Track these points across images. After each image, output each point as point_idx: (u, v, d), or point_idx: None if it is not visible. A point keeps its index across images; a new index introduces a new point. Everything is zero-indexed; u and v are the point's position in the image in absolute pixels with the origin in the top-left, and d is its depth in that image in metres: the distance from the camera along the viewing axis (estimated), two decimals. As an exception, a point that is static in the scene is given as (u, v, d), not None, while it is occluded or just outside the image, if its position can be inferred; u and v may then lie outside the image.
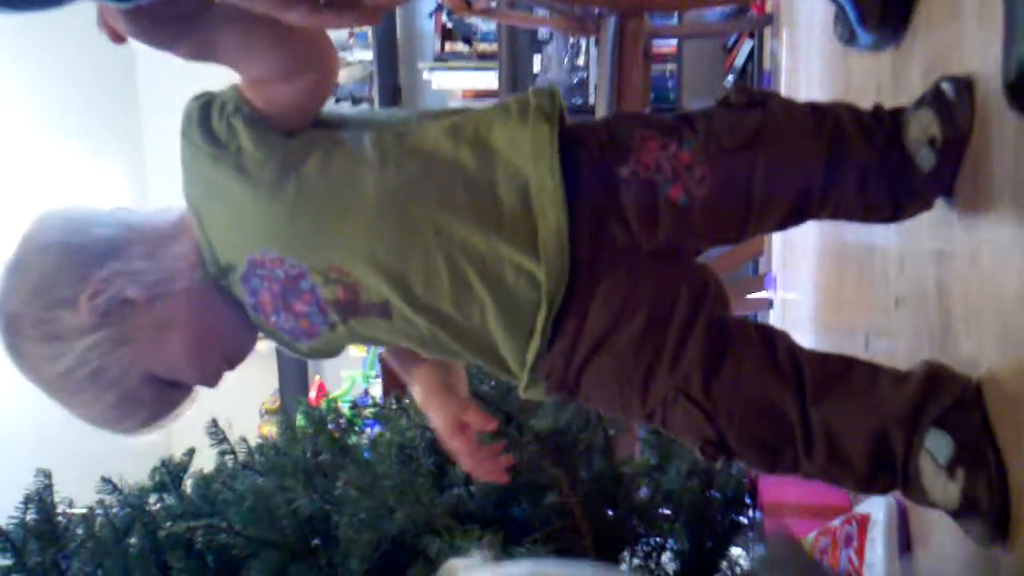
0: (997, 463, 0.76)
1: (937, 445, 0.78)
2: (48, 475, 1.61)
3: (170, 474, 1.68)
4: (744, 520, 1.61)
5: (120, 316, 0.89)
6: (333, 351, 0.96)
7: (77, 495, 1.66)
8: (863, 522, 1.20)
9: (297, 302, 0.90)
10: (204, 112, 0.88)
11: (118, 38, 0.75)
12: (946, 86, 0.86)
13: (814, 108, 0.92)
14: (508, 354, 0.91)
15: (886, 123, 0.89)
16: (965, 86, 0.85)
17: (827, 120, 0.90)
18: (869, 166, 0.88)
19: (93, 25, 0.76)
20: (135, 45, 0.77)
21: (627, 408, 0.91)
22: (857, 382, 0.85)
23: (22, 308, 0.89)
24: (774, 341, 0.89)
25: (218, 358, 0.94)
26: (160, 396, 0.94)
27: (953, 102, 0.85)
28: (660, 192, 0.88)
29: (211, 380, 0.95)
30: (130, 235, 0.91)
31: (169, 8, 0.72)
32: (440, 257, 0.87)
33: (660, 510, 1.55)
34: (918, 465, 0.80)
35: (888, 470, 0.83)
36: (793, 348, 0.89)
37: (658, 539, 1.54)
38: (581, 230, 0.88)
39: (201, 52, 0.81)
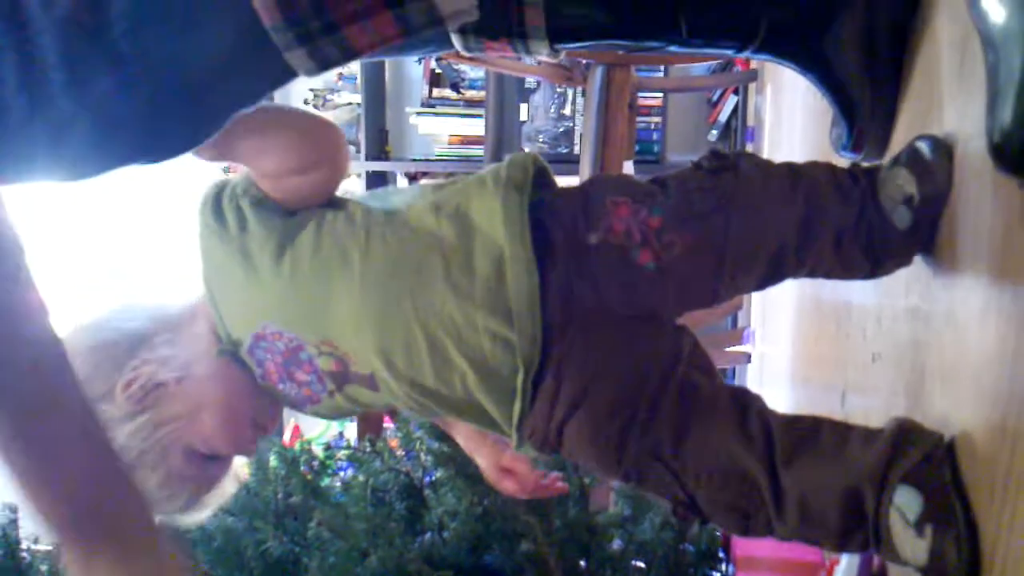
0: (966, 520, 0.76)
1: (906, 502, 0.78)
2: (14, 509, 1.59)
3: (139, 512, 1.66)
4: (717, 575, 1.60)
5: (155, 400, 0.93)
6: (339, 415, 1.00)
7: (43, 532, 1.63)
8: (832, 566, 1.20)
9: (298, 372, 0.93)
10: (216, 196, 0.93)
11: None
12: (922, 145, 0.87)
13: (789, 169, 0.93)
14: (496, 416, 0.92)
15: (862, 182, 0.90)
16: (942, 145, 0.86)
17: (801, 181, 0.90)
18: (845, 226, 0.88)
19: None
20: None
21: (605, 468, 0.92)
22: (826, 443, 0.85)
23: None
24: (746, 406, 0.89)
25: (249, 426, 0.97)
26: (202, 471, 0.97)
27: (930, 161, 0.85)
28: (629, 258, 0.89)
29: (246, 447, 0.98)
30: (153, 325, 0.96)
31: None
32: (418, 329, 0.88)
33: (633, 561, 1.54)
34: (888, 523, 0.80)
35: (861, 529, 0.83)
36: (763, 412, 0.89)
37: (631, 591, 1.53)
38: (553, 295, 0.88)
39: (222, 156, 0.88)
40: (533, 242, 0.87)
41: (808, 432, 0.87)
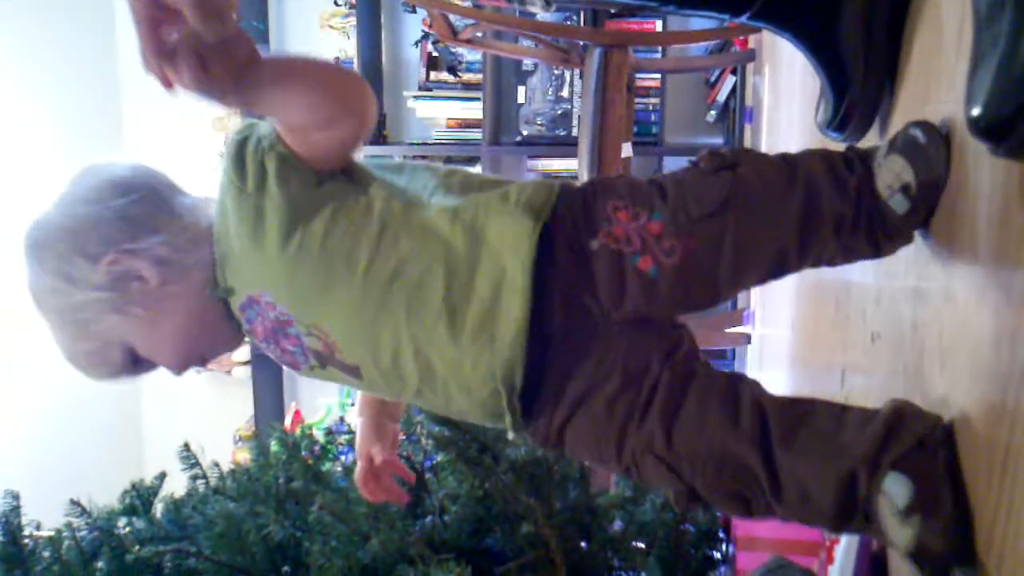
0: (955, 509, 0.76)
1: (895, 489, 0.78)
2: (16, 496, 1.59)
3: (140, 497, 1.67)
4: (718, 554, 1.61)
5: (127, 288, 0.95)
6: (319, 378, 1.01)
7: (45, 517, 1.64)
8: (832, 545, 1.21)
9: (285, 341, 0.96)
10: (240, 147, 0.92)
11: (168, 84, 0.79)
12: (916, 131, 0.86)
13: (786, 162, 0.92)
14: (488, 423, 0.97)
15: (857, 169, 0.90)
16: (936, 130, 0.85)
17: (799, 176, 0.90)
18: (843, 215, 0.89)
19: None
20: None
21: (606, 464, 0.94)
22: (822, 426, 0.85)
23: (52, 240, 0.96)
24: (738, 392, 0.89)
25: (197, 356, 1.00)
26: (128, 366, 1.00)
27: (925, 148, 0.85)
28: (628, 264, 0.89)
29: (182, 370, 1.01)
30: (178, 222, 0.97)
31: (222, 64, 0.79)
32: (407, 341, 0.90)
33: (634, 543, 1.54)
34: (877, 506, 0.80)
35: (857, 512, 0.83)
36: (758, 397, 0.89)
37: (632, 572, 1.53)
38: (552, 303, 0.89)
39: (246, 104, 0.86)
40: (537, 258, 0.88)
41: (804, 415, 0.87)
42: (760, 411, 0.87)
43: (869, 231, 0.89)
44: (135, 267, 0.94)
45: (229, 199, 0.92)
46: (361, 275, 0.90)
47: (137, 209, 0.96)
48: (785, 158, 0.93)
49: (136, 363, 1.00)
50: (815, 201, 0.89)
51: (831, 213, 0.89)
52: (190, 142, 4.13)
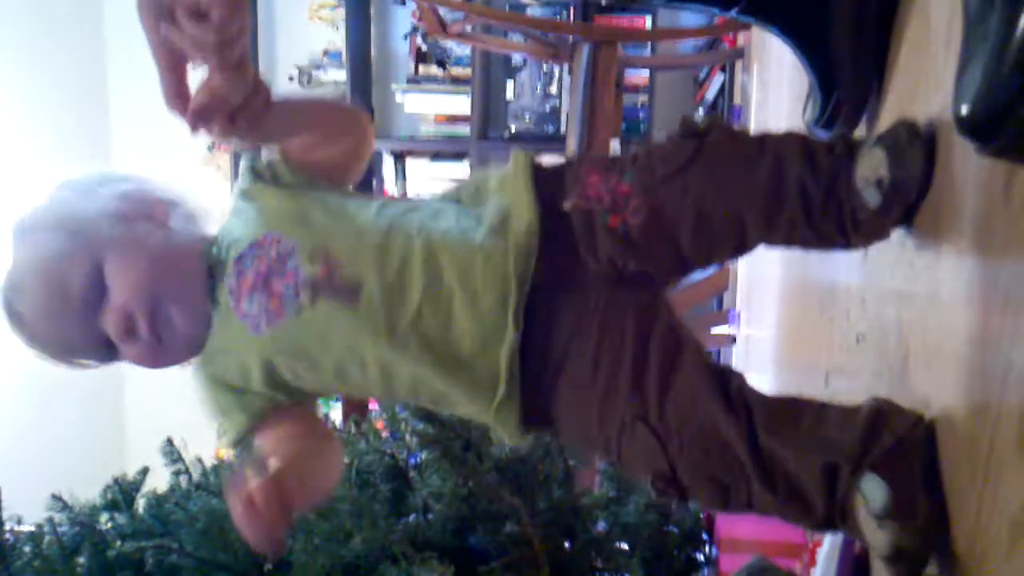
0: (930, 511, 0.77)
1: (871, 491, 0.78)
2: (-4, 490, 1.58)
3: (122, 492, 1.66)
4: (701, 556, 1.61)
5: (134, 222, 0.98)
6: (289, 351, 0.95)
7: (26, 512, 1.63)
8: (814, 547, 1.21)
9: (278, 281, 0.93)
10: (251, 163, 1.02)
11: (195, 128, 0.90)
12: (901, 129, 0.86)
13: (758, 135, 0.93)
14: (476, 352, 0.91)
15: (837, 152, 0.90)
16: (919, 131, 0.85)
17: (767, 146, 0.91)
18: (812, 191, 0.88)
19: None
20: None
21: (586, 434, 0.92)
22: (805, 420, 0.86)
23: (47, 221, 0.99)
24: (727, 377, 0.89)
25: (153, 298, 0.95)
26: (87, 295, 0.96)
27: (905, 146, 0.85)
28: (599, 221, 0.91)
29: (126, 310, 0.95)
30: (174, 206, 1.03)
31: (246, 117, 0.91)
32: (419, 242, 0.92)
33: (617, 543, 1.54)
34: (854, 506, 0.80)
35: (836, 506, 0.83)
36: (743, 388, 0.89)
37: (615, 573, 1.53)
38: (540, 261, 0.91)
39: (260, 142, 1.01)
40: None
41: (786, 408, 0.87)
42: (746, 400, 0.87)
43: (838, 218, 0.89)
44: (151, 206, 1.00)
45: (246, 188, 1.01)
46: (374, 210, 0.97)
47: (134, 189, 1.01)
48: (761, 132, 0.94)
49: (102, 295, 0.95)
50: (781, 172, 0.89)
51: (797, 187, 0.89)
52: (179, 157, 4.11)
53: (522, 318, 0.90)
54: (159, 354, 0.98)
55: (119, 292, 0.95)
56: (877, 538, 0.77)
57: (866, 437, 0.81)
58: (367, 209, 0.97)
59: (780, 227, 0.90)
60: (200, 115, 0.89)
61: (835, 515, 0.83)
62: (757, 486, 0.85)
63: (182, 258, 0.98)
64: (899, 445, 0.80)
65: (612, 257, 0.91)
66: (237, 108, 0.89)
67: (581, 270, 0.92)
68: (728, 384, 0.88)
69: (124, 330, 0.95)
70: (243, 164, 1.03)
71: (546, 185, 0.94)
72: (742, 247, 0.93)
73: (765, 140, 0.92)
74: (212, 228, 1.03)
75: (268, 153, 1.03)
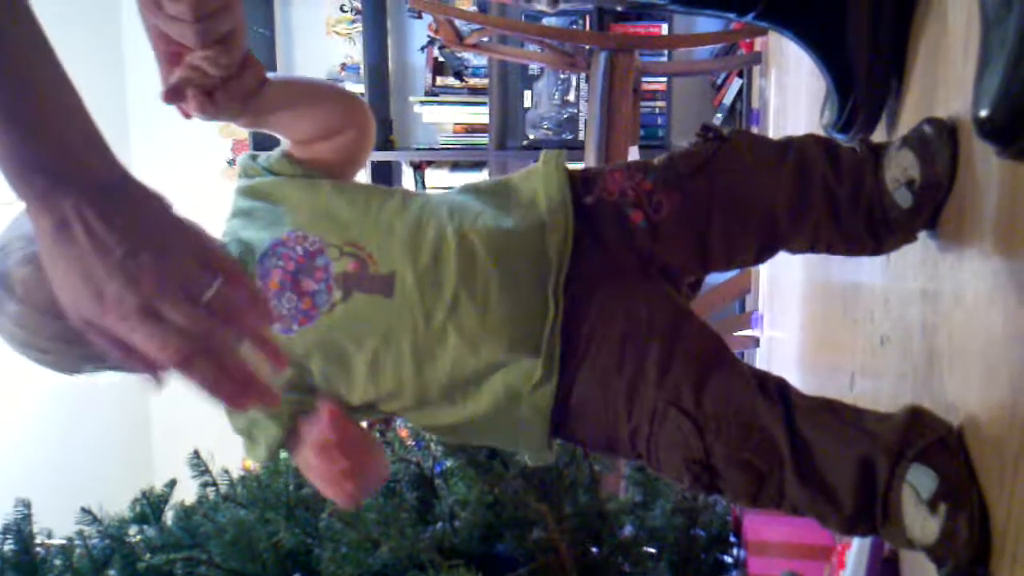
0: (980, 504, 0.76)
1: (920, 480, 0.78)
2: (27, 504, 1.60)
3: (151, 505, 1.67)
4: (728, 559, 1.60)
5: None
6: (322, 353, 0.94)
7: (56, 525, 1.64)
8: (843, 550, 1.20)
9: (307, 279, 0.93)
10: (250, 159, 1.01)
11: (186, 114, 0.89)
12: (928, 128, 0.86)
13: (782, 139, 0.96)
14: (517, 339, 0.91)
15: (860, 155, 0.91)
16: (946, 129, 0.85)
17: (791, 148, 0.93)
18: (838, 191, 0.90)
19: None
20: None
21: (612, 427, 0.92)
22: (843, 413, 0.87)
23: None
24: (763, 373, 0.91)
25: None
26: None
27: (934, 145, 0.85)
28: (623, 212, 0.95)
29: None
30: None
31: (227, 94, 0.89)
32: (451, 229, 0.93)
33: (644, 548, 1.54)
34: (899, 498, 0.80)
35: (873, 503, 0.82)
36: (781, 382, 0.90)
37: (642, 577, 1.53)
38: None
39: (256, 124, 0.99)
40: None
41: (824, 401, 0.88)
42: (783, 390, 0.88)
43: (868, 219, 0.90)
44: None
45: (251, 182, 0.99)
46: (399, 198, 0.97)
47: None
48: (784, 137, 0.96)
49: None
50: (806, 170, 0.91)
51: (823, 185, 0.90)
52: (199, 169, 4.13)
53: (562, 297, 0.91)
54: None
55: None
56: (928, 527, 0.76)
57: (906, 433, 0.81)
58: (391, 200, 0.97)
59: (806, 227, 0.91)
60: (175, 89, 0.87)
61: (872, 512, 0.83)
62: (790, 474, 0.85)
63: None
64: (941, 441, 0.80)
65: (637, 248, 0.94)
66: (217, 84, 0.87)
67: (608, 260, 0.94)
68: (766, 375, 0.90)
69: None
70: (241, 161, 1.02)
71: (573, 181, 0.97)
72: (769, 248, 0.95)
73: (788, 142, 0.94)
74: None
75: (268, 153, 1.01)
